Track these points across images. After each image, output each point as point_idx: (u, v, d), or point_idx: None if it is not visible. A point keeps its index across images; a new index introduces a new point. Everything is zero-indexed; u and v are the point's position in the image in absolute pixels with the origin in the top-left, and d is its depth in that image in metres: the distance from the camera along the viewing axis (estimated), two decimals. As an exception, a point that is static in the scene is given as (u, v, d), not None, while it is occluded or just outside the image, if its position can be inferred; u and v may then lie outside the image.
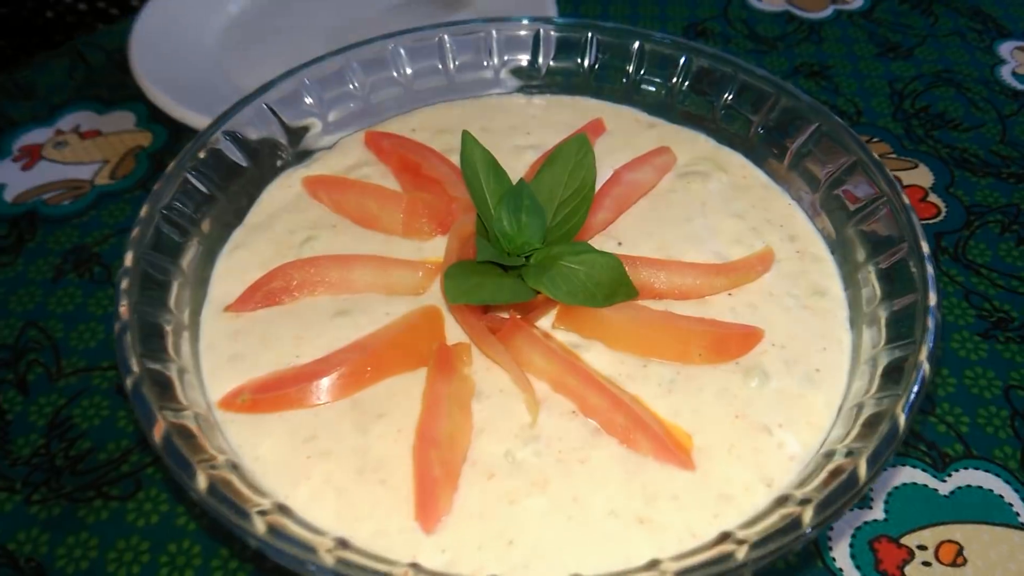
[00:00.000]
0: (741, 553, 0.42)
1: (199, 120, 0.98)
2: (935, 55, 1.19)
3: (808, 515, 0.44)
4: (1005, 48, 1.20)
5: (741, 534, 0.46)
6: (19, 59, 1.51)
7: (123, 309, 0.51)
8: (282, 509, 0.48)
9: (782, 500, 0.49)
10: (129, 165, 1.02)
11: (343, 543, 0.45)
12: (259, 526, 0.43)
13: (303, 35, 1.18)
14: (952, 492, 0.72)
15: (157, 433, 0.46)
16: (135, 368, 0.49)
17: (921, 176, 1.01)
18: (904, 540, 0.69)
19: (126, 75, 1.14)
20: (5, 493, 0.73)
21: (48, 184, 1.01)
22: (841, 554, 0.69)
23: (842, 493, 0.45)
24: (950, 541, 0.69)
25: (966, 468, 0.74)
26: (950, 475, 0.74)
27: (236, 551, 0.68)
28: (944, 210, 0.97)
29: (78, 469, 0.74)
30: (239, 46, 1.16)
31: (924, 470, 0.74)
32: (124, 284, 0.53)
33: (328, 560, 0.41)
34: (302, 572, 0.42)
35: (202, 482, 0.44)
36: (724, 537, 0.47)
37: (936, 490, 0.73)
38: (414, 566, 0.44)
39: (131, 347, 0.50)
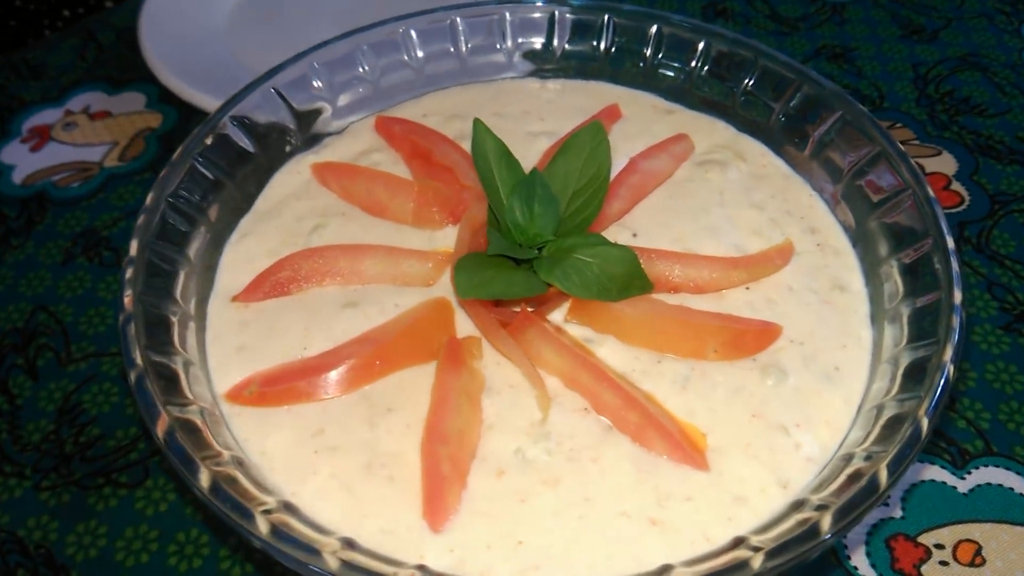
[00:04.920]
0: (756, 561, 0.41)
1: (210, 102, 0.97)
2: (961, 38, 1.16)
3: (827, 522, 0.43)
4: (1034, 31, 1.17)
5: (756, 540, 0.45)
6: (28, 38, 1.51)
7: (127, 299, 0.51)
8: (288, 507, 0.47)
9: (798, 504, 0.48)
10: (139, 147, 1.01)
11: (349, 543, 0.45)
12: (262, 527, 0.42)
13: (311, 16, 1.17)
14: (971, 490, 0.71)
15: (160, 429, 0.45)
16: (139, 361, 0.48)
17: (944, 163, 0.99)
18: (921, 539, 0.68)
19: (136, 55, 1.13)
20: (15, 479, 0.73)
21: (58, 166, 1.00)
22: (856, 552, 0.68)
23: (862, 500, 0.43)
24: (968, 540, 0.68)
25: (986, 466, 0.73)
26: (969, 472, 0.72)
27: (244, 542, 0.68)
28: (968, 199, 0.95)
29: (87, 456, 0.74)
30: (248, 26, 1.15)
31: (943, 467, 0.72)
32: (129, 274, 0.52)
33: (332, 563, 0.41)
34: (307, 574, 0.41)
35: (205, 480, 0.43)
36: (738, 542, 0.46)
37: (955, 488, 0.71)
38: (421, 568, 0.43)
39: (135, 339, 0.49)
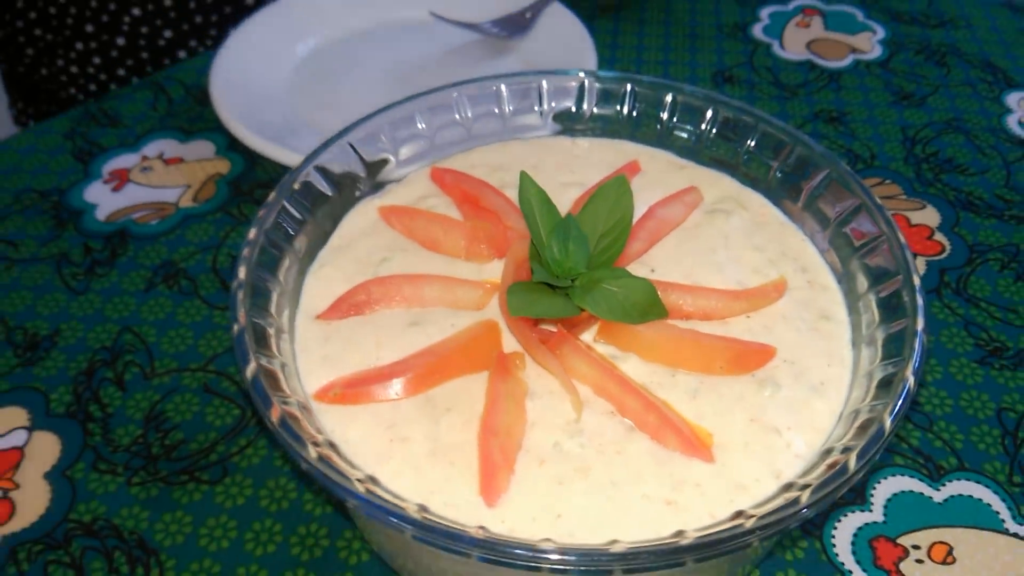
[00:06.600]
0: (748, 523, 0.51)
1: (273, 150, 1.10)
2: (946, 104, 1.28)
3: (805, 496, 0.53)
4: (1012, 98, 1.29)
5: (751, 511, 0.55)
6: (106, 89, 1.66)
7: (241, 315, 0.62)
8: (372, 480, 0.58)
9: (786, 487, 0.58)
10: (210, 190, 1.14)
11: (424, 508, 0.55)
12: (361, 489, 0.53)
13: (363, 75, 1.30)
14: (945, 500, 0.81)
15: (275, 415, 0.56)
16: (253, 362, 0.59)
17: (929, 216, 1.10)
18: (900, 540, 0.78)
19: (203, 107, 1.27)
20: (109, 476, 0.84)
21: (137, 205, 1.13)
22: (843, 551, 0.77)
23: (834, 479, 0.54)
24: (941, 542, 0.78)
25: (959, 479, 0.83)
26: (944, 485, 0.82)
27: (312, 531, 0.78)
28: (949, 248, 1.06)
29: (172, 457, 0.85)
30: (307, 84, 1.28)
31: (921, 480, 0.82)
32: (240, 295, 0.64)
33: (417, 517, 0.51)
34: (393, 528, 0.52)
35: (313, 454, 0.54)
36: (737, 515, 0.56)
37: (931, 497, 0.81)
38: (482, 528, 0.54)
39: (250, 345, 0.60)
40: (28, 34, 1.61)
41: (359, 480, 0.54)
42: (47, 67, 1.64)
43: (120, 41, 1.59)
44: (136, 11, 1.56)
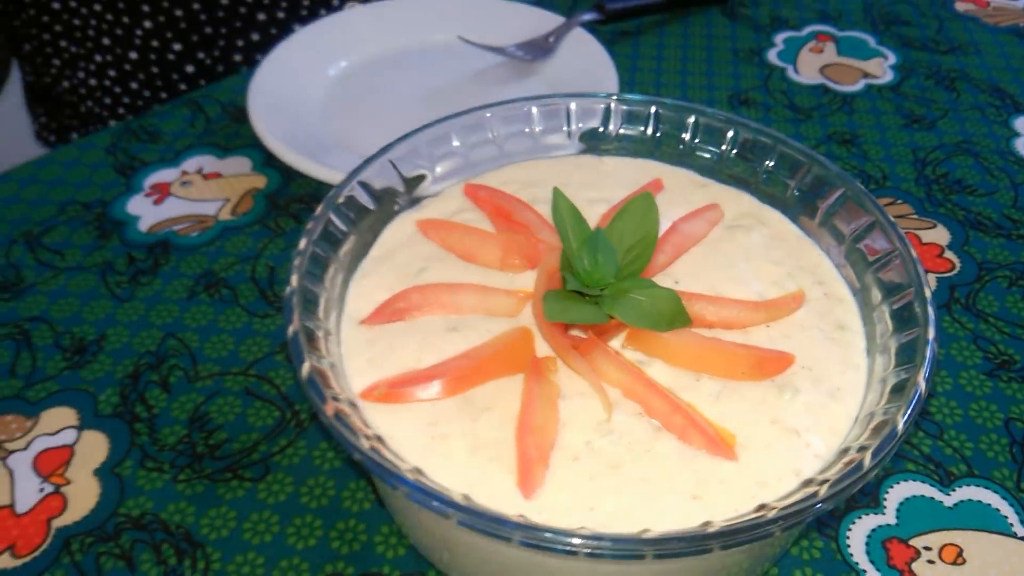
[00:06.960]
0: (771, 514, 0.55)
1: (308, 166, 1.15)
2: (956, 127, 1.33)
3: (823, 490, 0.57)
4: (1020, 122, 1.33)
5: (772, 504, 0.59)
6: (119, 102, 1.72)
7: (295, 318, 0.66)
8: (417, 471, 0.62)
9: (806, 483, 0.62)
10: (248, 203, 1.19)
11: (467, 497, 0.59)
12: (411, 476, 0.57)
13: (393, 96, 1.35)
14: (956, 504, 0.84)
15: (330, 410, 0.61)
16: (307, 362, 0.64)
17: (939, 235, 1.14)
18: (912, 542, 0.81)
19: (239, 125, 1.32)
20: (156, 473, 0.88)
21: (178, 217, 1.18)
22: (858, 551, 0.81)
23: (850, 475, 0.58)
24: (952, 544, 0.81)
25: (968, 485, 0.86)
26: (954, 490, 0.86)
27: (350, 526, 0.82)
28: (959, 265, 1.10)
29: (216, 455, 0.89)
30: (339, 104, 1.33)
31: (932, 485, 0.86)
32: (294, 300, 0.68)
33: (465, 503, 0.56)
34: (441, 514, 0.56)
35: (366, 444, 0.58)
36: (760, 508, 0.60)
37: (942, 502, 0.85)
38: (521, 516, 0.58)
39: (304, 346, 0.65)
40: (55, 45, 1.67)
41: (408, 470, 0.58)
42: (68, 79, 1.70)
43: (133, 55, 1.65)
44: (148, 23, 1.62)
